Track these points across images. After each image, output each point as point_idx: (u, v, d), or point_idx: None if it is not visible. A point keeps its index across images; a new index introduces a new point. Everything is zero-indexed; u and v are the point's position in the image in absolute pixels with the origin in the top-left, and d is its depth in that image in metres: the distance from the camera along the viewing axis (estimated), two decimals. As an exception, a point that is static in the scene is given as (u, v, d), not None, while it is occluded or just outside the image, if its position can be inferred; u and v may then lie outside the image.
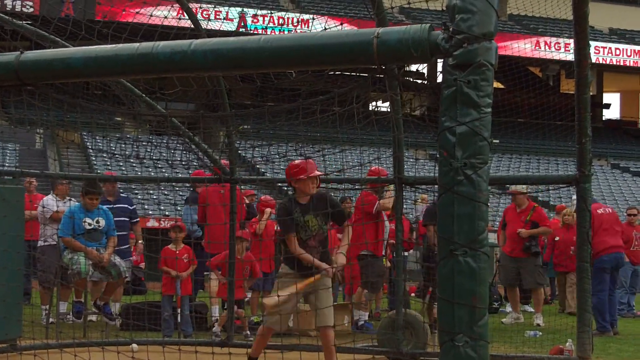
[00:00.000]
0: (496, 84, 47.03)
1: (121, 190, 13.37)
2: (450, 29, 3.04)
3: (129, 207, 12.52)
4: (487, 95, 3.02)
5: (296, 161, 7.87)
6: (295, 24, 33.78)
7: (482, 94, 3.01)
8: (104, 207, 10.56)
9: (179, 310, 10.92)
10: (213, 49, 3.46)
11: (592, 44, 38.28)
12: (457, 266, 3.01)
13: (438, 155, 3.07)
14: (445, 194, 3.04)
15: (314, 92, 9.43)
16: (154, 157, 10.05)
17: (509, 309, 15.33)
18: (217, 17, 29.20)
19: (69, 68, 3.66)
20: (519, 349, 9.98)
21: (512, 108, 37.22)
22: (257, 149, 11.69)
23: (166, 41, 3.54)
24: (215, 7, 26.22)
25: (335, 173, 10.01)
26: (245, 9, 31.25)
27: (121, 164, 23.33)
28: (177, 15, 8.35)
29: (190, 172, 11.99)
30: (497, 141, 37.82)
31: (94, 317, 11.61)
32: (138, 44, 3.59)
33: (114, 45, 3.64)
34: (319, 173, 7.79)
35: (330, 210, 7.68)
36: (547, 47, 39.83)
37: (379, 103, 31.78)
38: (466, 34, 3.00)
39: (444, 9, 3.17)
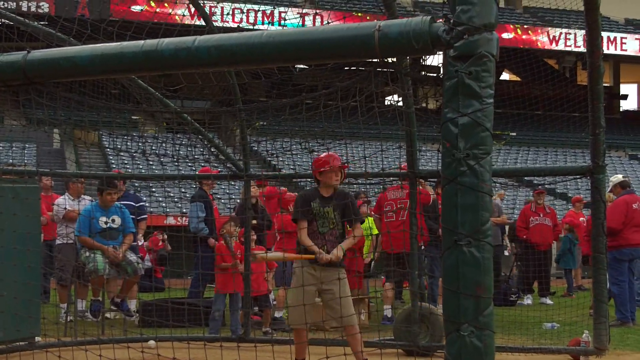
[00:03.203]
0: (513, 77, 46.95)
1: (135, 187, 13.36)
2: (451, 21, 3.04)
3: (134, 204, 12.41)
4: (489, 86, 3.02)
5: (321, 155, 7.99)
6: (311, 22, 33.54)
7: (483, 85, 3.01)
8: (119, 203, 10.65)
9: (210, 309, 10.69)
10: (217, 44, 3.48)
11: (609, 35, 38.26)
12: (461, 257, 3.02)
13: (441, 147, 3.08)
14: (449, 185, 3.05)
15: (327, 88, 9.41)
16: (169, 154, 10.09)
17: (527, 301, 15.34)
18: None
19: (76, 66, 3.69)
20: (536, 341, 9.97)
21: (529, 100, 37.14)
22: (269, 144, 11.66)
23: (170, 38, 3.56)
24: (217, 3, 26.03)
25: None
26: (260, 6, 31.21)
27: (138, 162, 23.43)
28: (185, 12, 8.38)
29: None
30: (514, 134, 37.71)
31: (109, 314, 11.65)
32: (143, 41, 3.61)
33: (119, 43, 3.66)
34: (341, 165, 7.84)
35: (346, 202, 7.75)
36: (561, 39, 39.64)
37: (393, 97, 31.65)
38: (467, 25, 3.00)
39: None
